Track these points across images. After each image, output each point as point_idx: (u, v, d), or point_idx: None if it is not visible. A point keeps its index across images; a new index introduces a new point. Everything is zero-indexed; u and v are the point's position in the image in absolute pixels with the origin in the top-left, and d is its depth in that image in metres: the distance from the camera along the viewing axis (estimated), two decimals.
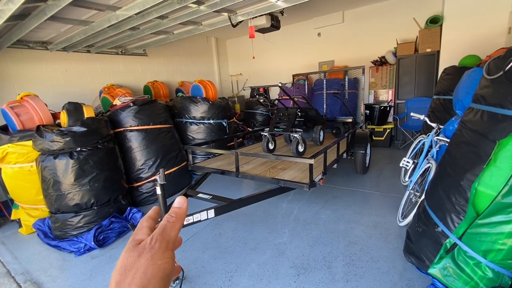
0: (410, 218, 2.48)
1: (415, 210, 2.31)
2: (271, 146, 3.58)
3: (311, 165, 2.35)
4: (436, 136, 2.92)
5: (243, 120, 6.76)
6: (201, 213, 2.10)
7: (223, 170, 3.00)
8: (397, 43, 5.45)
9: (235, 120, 5.54)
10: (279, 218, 3.07)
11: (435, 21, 4.97)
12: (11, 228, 3.36)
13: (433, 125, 3.03)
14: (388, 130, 5.63)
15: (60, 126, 3.22)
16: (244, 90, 3.74)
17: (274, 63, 7.50)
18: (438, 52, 4.98)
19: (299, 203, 3.38)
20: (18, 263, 2.66)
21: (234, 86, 8.31)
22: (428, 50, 5.10)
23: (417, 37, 5.26)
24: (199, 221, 2.12)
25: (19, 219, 3.29)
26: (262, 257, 2.38)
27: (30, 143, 3.00)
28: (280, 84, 3.12)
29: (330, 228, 2.76)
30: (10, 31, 3.10)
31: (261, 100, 3.56)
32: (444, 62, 4.74)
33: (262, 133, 3.56)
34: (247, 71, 8.03)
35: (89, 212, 2.97)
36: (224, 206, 2.28)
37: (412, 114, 3.22)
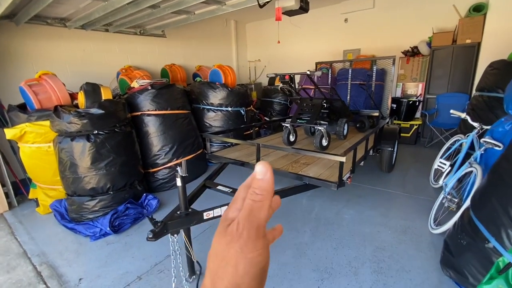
0: (447, 226, 2.26)
1: (455, 219, 2.09)
2: (292, 138, 3.39)
3: (341, 163, 2.15)
4: (479, 137, 2.64)
5: (260, 108, 6.55)
6: (222, 208, 1.97)
7: (243, 162, 2.85)
8: (433, 33, 5.01)
9: (252, 108, 5.35)
10: (299, 215, 2.92)
11: (478, 9, 4.50)
12: (29, 207, 3.38)
13: (475, 124, 2.73)
14: (415, 127, 5.29)
15: (78, 107, 3.13)
16: (267, 76, 3.52)
17: (295, 50, 7.14)
18: (479, 44, 4.54)
19: (320, 200, 3.21)
20: (34, 244, 2.65)
21: (252, 73, 8.03)
22: (468, 41, 4.66)
23: (456, 26, 4.80)
24: (220, 216, 1.99)
25: (36, 198, 3.29)
26: (282, 257, 2.25)
27: (47, 123, 2.93)
28: (308, 72, 2.88)
29: (354, 230, 2.59)
30: (27, 5, 2.97)
31: (286, 88, 3.33)
32: (486, 55, 4.31)
33: (283, 124, 3.36)
34: (266, 57, 7.71)
35: (105, 197, 2.91)
36: None
37: (452, 111, 2.93)
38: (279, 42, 5.91)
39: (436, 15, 5.10)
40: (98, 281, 2.09)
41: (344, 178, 2.33)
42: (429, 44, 5.11)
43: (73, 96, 3.41)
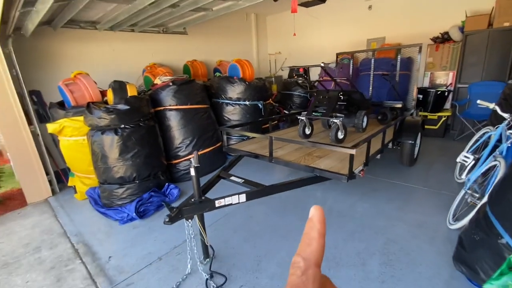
0: (464, 221, 2.18)
1: (472, 214, 2.01)
2: (307, 131, 3.40)
3: (351, 156, 2.15)
4: (508, 129, 2.47)
5: (279, 101, 6.55)
6: (232, 197, 2.09)
7: (256, 154, 2.94)
8: (466, 16, 4.63)
9: (271, 101, 5.38)
10: (311, 206, 2.95)
11: None
12: (69, 193, 3.79)
13: (506, 115, 2.54)
14: (443, 118, 4.99)
15: (107, 104, 3.42)
16: (282, 70, 3.54)
17: (316, 41, 6.99)
18: None
19: (334, 193, 3.22)
20: (73, 225, 3.00)
21: (272, 66, 8.03)
22: (506, 24, 4.25)
23: (493, 8, 4.40)
24: (231, 204, 2.11)
25: (74, 186, 3.68)
26: (292, 246, 2.33)
27: (82, 118, 3.25)
28: (322, 64, 2.87)
29: (367, 223, 2.58)
30: (62, 11, 3.29)
31: (300, 82, 3.34)
32: None
33: (298, 117, 3.38)
34: (287, 49, 7.65)
35: (131, 185, 3.18)
36: (256, 191, 2.23)
37: (478, 101, 2.75)
38: (295, 34, 5.83)
39: None
40: (124, 259, 2.34)
41: (356, 171, 2.32)
42: (461, 29, 4.74)
43: (103, 93, 3.72)
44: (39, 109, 3.97)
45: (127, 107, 3.13)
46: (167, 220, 1.81)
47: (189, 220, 1.98)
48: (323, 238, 0.28)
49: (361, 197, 3.07)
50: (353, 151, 2.11)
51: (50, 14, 3.40)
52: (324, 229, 0.28)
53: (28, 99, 3.62)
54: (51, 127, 3.28)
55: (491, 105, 2.69)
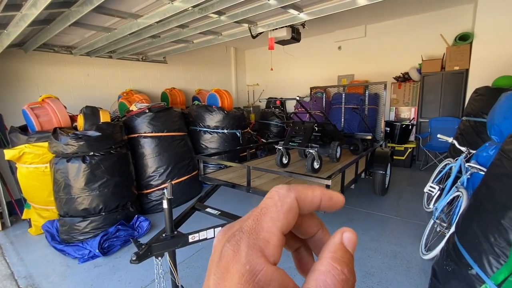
0: (436, 251, 2.24)
1: (442, 244, 2.08)
2: (285, 161, 3.44)
3: (327, 186, 2.19)
4: (466, 161, 2.68)
5: (258, 130, 6.67)
6: (207, 231, 1.98)
7: (234, 184, 2.89)
8: (422, 60, 5.22)
9: (249, 130, 5.46)
10: None
11: (464, 38, 4.73)
12: (22, 227, 3.39)
13: (463, 149, 2.79)
14: (409, 150, 5.34)
15: (77, 130, 3.25)
16: (260, 102, 3.65)
17: (292, 75, 7.42)
18: (467, 70, 4.71)
19: None
20: (23, 265, 2.63)
21: (251, 96, 8.28)
22: (456, 68, 4.84)
23: (444, 54, 5.02)
24: (205, 239, 2.00)
25: (29, 218, 3.30)
26: None
27: (46, 144, 3.03)
28: (298, 98, 3.01)
29: None
30: (36, 35, 3.20)
31: (277, 112, 3.45)
32: (474, 82, 4.46)
33: (276, 147, 3.43)
34: (264, 81, 7.99)
35: (96, 218, 2.93)
36: None
37: (439, 136, 3.00)
38: (272, 69, 6.16)
39: (425, 43, 5.35)
40: None
41: None
42: (419, 70, 5.31)
43: (73, 119, 3.54)
44: None
45: (98, 133, 2.98)
46: (134, 258, 1.65)
47: (159, 258, 1.82)
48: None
49: (339, 228, 3.06)
50: (328, 182, 2.15)
51: (23, 37, 3.29)
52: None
53: None
54: (9, 154, 3.00)
55: (450, 139, 2.95)
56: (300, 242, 0.27)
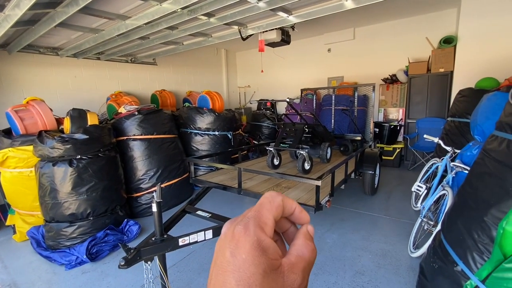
0: (423, 249, 2.29)
1: (429, 242, 2.13)
2: (276, 162, 3.45)
3: (317, 187, 2.21)
4: (451, 161, 2.76)
5: (249, 132, 6.67)
6: (198, 233, 1.97)
7: (225, 186, 2.88)
8: (409, 62, 5.35)
9: (241, 131, 5.46)
10: None
11: (448, 41, 4.88)
12: (5, 234, 3.28)
13: (448, 148, 2.87)
14: (398, 150, 5.45)
15: (63, 133, 3.17)
16: (251, 103, 3.66)
17: (282, 77, 7.46)
18: (452, 72, 4.86)
19: None
20: (7, 273, 2.54)
21: (242, 98, 8.28)
22: (441, 70, 4.98)
23: (429, 56, 5.16)
24: (196, 242, 1.98)
25: (14, 225, 3.20)
26: None
27: (31, 148, 2.94)
28: (288, 100, 3.03)
29: (336, 255, 2.58)
30: (20, 36, 3.12)
31: (268, 114, 3.46)
32: (458, 83, 4.61)
33: (267, 148, 3.45)
34: (256, 83, 8.01)
35: (84, 223, 2.86)
36: None
37: (425, 136, 3.07)
38: (262, 71, 6.19)
39: (411, 46, 5.49)
40: None
41: (323, 202, 2.37)
42: (406, 72, 5.44)
43: (60, 122, 3.46)
44: None
45: (86, 136, 2.92)
46: (122, 263, 1.62)
47: (149, 262, 1.80)
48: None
49: (330, 228, 3.10)
50: (318, 183, 2.17)
51: (6, 38, 3.20)
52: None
53: None
54: None
55: (436, 139, 3.02)
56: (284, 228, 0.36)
